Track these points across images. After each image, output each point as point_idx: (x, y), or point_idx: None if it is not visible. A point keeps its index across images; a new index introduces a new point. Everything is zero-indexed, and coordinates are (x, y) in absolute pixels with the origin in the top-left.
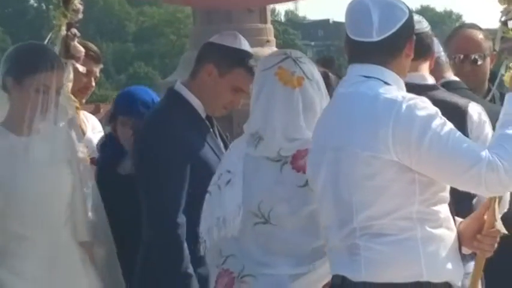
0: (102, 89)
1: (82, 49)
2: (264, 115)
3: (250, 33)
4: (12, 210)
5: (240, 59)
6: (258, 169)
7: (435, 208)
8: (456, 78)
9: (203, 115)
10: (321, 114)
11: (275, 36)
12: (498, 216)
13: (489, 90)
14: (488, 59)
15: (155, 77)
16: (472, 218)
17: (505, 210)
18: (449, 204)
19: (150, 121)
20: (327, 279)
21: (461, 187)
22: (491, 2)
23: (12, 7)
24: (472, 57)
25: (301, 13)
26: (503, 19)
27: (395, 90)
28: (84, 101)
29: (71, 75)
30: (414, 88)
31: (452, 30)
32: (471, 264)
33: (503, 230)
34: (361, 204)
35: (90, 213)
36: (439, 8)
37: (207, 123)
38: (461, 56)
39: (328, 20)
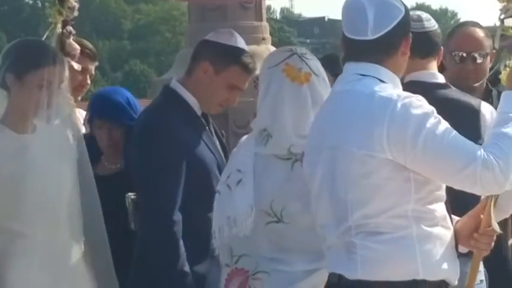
0: (98, 87)
1: (77, 47)
2: (272, 112)
3: (246, 30)
4: (12, 209)
5: (236, 57)
6: (268, 167)
7: (431, 207)
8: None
9: (199, 113)
10: (317, 113)
11: (271, 34)
12: (493, 215)
13: (487, 88)
14: (488, 58)
15: (151, 75)
16: (469, 216)
17: (507, 216)
18: (446, 203)
19: (146, 118)
20: None
21: (457, 186)
22: None
23: (7, 5)
24: (473, 55)
25: (296, 10)
26: (502, 17)
27: (391, 88)
28: (79, 98)
29: (66, 73)
30: (425, 86)
31: (453, 27)
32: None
33: (499, 230)
34: (357, 202)
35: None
36: (435, 6)
37: (203, 120)
38: (463, 54)
39: (323, 18)
